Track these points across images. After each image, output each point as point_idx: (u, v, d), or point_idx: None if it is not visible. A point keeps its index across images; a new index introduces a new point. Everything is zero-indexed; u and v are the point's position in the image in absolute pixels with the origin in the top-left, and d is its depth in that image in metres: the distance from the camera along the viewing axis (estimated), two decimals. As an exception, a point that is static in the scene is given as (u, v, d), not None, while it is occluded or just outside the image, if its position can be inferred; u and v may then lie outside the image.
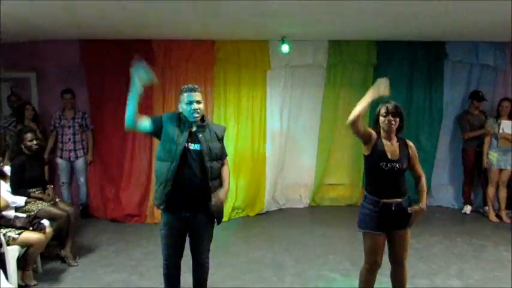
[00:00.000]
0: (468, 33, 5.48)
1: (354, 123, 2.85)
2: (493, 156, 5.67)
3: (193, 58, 5.92)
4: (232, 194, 5.85)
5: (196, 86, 3.04)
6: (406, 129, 5.67)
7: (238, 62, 6.00)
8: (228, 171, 3.18)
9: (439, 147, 6.32)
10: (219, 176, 3.09)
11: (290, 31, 5.33)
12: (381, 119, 2.99)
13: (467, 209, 6.10)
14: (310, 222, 5.86)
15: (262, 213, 6.16)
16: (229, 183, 3.14)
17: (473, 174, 6.08)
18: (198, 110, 2.98)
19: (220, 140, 3.14)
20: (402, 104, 6.41)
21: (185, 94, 2.99)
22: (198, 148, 2.97)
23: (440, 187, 6.46)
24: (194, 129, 3.00)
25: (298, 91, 6.26)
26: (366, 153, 3.02)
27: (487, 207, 5.92)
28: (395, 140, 3.03)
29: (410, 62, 6.14)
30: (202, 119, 3.09)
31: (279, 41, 5.71)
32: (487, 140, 5.73)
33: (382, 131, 3.01)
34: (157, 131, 3.01)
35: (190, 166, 2.94)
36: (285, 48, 5.69)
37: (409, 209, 2.99)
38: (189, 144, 2.96)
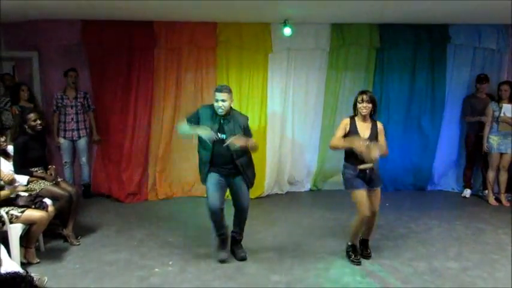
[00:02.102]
0: (471, 16, 5.41)
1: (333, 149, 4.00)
2: (493, 140, 5.66)
3: (195, 40, 5.90)
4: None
5: (224, 87, 3.89)
6: (409, 113, 5.82)
7: (240, 45, 5.97)
8: (252, 140, 3.92)
9: (442, 131, 6.29)
10: (244, 155, 3.91)
11: (292, 14, 5.28)
12: (358, 105, 3.85)
13: (467, 192, 6.13)
14: (310, 205, 5.90)
15: (262, 197, 6.18)
16: (253, 141, 3.92)
17: (475, 158, 6.08)
18: (222, 107, 3.80)
19: (243, 128, 3.91)
20: (405, 88, 6.40)
21: (215, 93, 3.83)
22: (224, 137, 3.78)
23: (442, 171, 6.46)
24: (222, 121, 3.84)
25: (300, 74, 6.22)
26: (347, 131, 3.89)
27: (486, 191, 5.94)
28: (369, 121, 3.89)
29: (414, 45, 6.08)
30: (229, 112, 3.88)
31: (281, 24, 5.66)
32: (487, 124, 5.70)
33: (359, 114, 3.87)
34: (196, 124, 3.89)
35: (220, 150, 3.79)
36: (287, 31, 5.64)
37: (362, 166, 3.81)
38: (218, 134, 3.80)
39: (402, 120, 6.25)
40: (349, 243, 4.09)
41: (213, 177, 3.92)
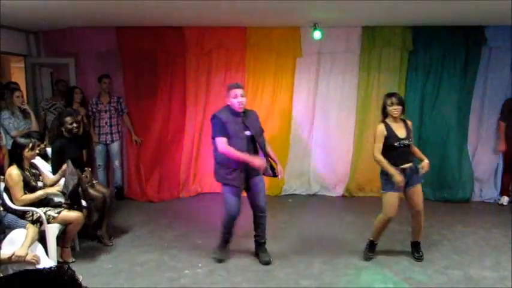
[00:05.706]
0: (508, 17, 5.19)
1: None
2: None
3: (224, 45, 5.98)
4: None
5: (239, 83, 3.98)
6: (444, 118, 6.13)
7: (269, 49, 6.01)
8: (270, 147, 4.08)
9: (480, 138, 6.06)
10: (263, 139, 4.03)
11: (322, 17, 5.25)
12: (389, 108, 3.88)
13: (504, 200, 5.88)
14: (341, 210, 5.81)
15: (292, 199, 6.16)
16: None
17: (513, 164, 5.81)
18: (243, 102, 3.81)
19: (259, 122, 4.03)
20: (439, 91, 6.00)
21: (234, 90, 3.79)
22: (249, 133, 3.84)
23: (481, 180, 6.15)
24: (242, 118, 3.84)
25: (330, 78, 6.16)
26: (385, 136, 3.91)
27: (525, 199, 5.70)
28: (400, 121, 3.93)
29: (448, 47, 5.86)
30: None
31: (310, 27, 5.64)
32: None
33: (390, 117, 3.90)
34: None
35: (246, 147, 3.79)
36: (317, 34, 5.61)
37: (420, 167, 3.91)
38: (244, 132, 3.82)
39: (437, 124, 6.03)
40: (370, 239, 4.16)
41: (232, 187, 3.89)
